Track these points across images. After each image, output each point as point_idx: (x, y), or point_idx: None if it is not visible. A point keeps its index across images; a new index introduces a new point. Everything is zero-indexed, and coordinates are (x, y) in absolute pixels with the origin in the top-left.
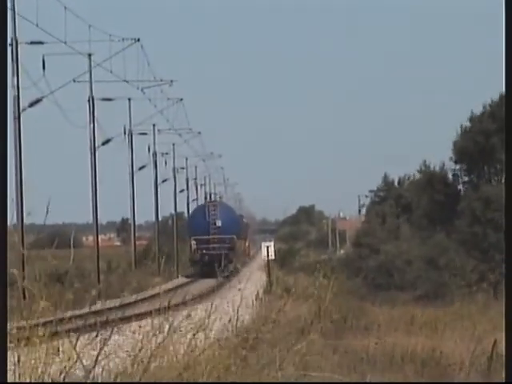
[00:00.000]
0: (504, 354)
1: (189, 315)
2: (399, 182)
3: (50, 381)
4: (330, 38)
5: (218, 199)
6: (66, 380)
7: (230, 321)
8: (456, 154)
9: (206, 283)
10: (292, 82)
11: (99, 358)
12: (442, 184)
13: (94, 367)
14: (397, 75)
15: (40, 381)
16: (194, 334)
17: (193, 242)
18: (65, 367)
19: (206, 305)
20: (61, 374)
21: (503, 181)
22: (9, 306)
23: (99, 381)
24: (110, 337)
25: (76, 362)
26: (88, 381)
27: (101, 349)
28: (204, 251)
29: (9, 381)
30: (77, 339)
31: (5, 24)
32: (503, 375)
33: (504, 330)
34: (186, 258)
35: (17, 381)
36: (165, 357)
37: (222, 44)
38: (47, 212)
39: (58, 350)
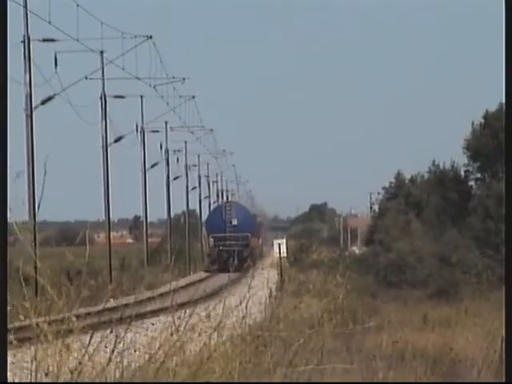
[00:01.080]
0: (504, 354)
1: (208, 315)
2: (411, 180)
3: (63, 379)
4: (344, 36)
5: (232, 199)
6: (79, 378)
7: (243, 318)
8: (469, 152)
9: (219, 280)
10: (305, 79)
11: (112, 355)
12: (453, 182)
13: (107, 364)
14: (409, 73)
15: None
16: (210, 334)
17: (211, 240)
18: (79, 363)
19: (219, 302)
20: (75, 370)
21: None
22: (19, 304)
23: (113, 379)
24: (124, 335)
25: (90, 359)
26: (96, 380)
27: (114, 346)
28: (221, 247)
29: (9, 380)
30: (91, 337)
31: (5, 21)
32: None
33: (504, 330)
34: (198, 255)
35: (29, 380)
36: (178, 355)
37: (235, 41)
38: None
39: (69, 348)
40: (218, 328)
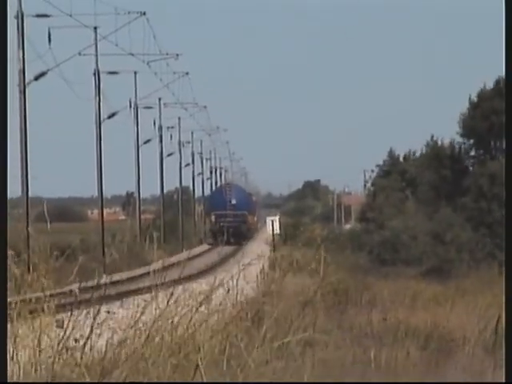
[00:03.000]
0: (504, 354)
1: (191, 289)
2: (404, 157)
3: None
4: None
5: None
6: (63, 351)
7: (234, 294)
8: (463, 130)
9: (211, 257)
10: (299, 57)
11: (98, 330)
12: (449, 159)
13: (88, 337)
14: (403, 48)
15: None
16: (196, 308)
17: (212, 217)
18: (62, 338)
19: (210, 278)
20: (58, 344)
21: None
22: (13, 279)
23: (98, 352)
24: (98, 310)
25: (72, 332)
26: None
27: (94, 319)
28: (221, 224)
29: (9, 381)
30: (71, 311)
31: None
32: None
33: (504, 330)
34: (191, 231)
35: (16, 379)
36: (164, 328)
37: (230, 17)
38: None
39: (59, 323)
40: (208, 303)
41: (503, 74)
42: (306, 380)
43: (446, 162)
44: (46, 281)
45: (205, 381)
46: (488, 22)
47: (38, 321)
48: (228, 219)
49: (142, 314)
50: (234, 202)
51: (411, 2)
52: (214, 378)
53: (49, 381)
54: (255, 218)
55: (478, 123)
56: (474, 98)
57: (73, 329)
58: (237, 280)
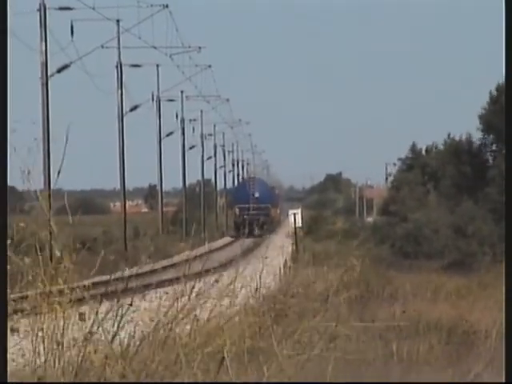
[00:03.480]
0: (504, 354)
1: (216, 281)
2: (426, 151)
3: (72, 343)
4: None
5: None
6: (89, 345)
7: (256, 290)
8: (483, 124)
9: (233, 251)
10: (320, 50)
11: (122, 323)
12: (468, 154)
13: (116, 333)
14: (425, 46)
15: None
16: (218, 300)
17: (236, 210)
18: (88, 332)
19: (233, 271)
20: (85, 339)
21: None
22: (35, 272)
23: (122, 345)
24: (131, 303)
25: (99, 327)
26: (100, 380)
27: (122, 315)
28: (245, 216)
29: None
30: (100, 304)
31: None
32: None
33: (504, 330)
34: (213, 224)
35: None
36: (188, 322)
37: (251, 10)
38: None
39: (82, 316)
40: (232, 296)
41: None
42: (329, 375)
43: (464, 157)
44: (69, 274)
45: (231, 373)
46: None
47: (60, 314)
48: (251, 212)
49: (171, 306)
50: (257, 195)
51: None
52: (237, 370)
53: (72, 372)
54: (278, 211)
55: (497, 118)
56: (494, 93)
57: (94, 322)
58: (260, 273)
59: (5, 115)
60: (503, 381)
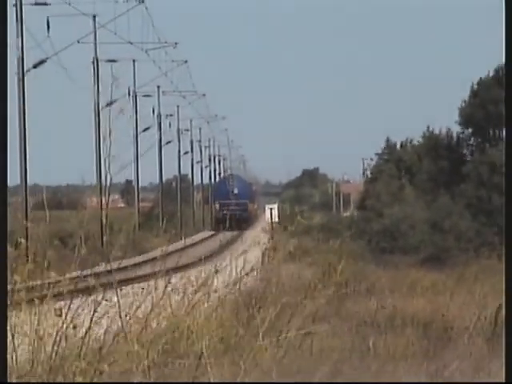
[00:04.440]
0: (504, 354)
1: (188, 277)
2: (401, 145)
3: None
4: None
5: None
6: (63, 341)
7: (234, 284)
8: (462, 118)
9: (210, 246)
10: (297, 43)
11: (97, 318)
12: (446, 149)
13: (89, 328)
14: (402, 35)
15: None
16: (194, 293)
17: (217, 205)
18: (61, 327)
19: (209, 266)
20: (57, 334)
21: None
22: (11, 267)
23: (95, 341)
24: (102, 298)
25: (71, 322)
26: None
27: (95, 310)
28: (225, 211)
29: (9, 381)
30: (71, 300)
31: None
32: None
33: (504, 330)
34: (190, 219)
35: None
36: (162, 316)
37: (228, 4)
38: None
39: (58, 311)
40: (207, 290)
41: (502, 63)
42: (303, 369)
43: (442, 151)
44: (45, 269)
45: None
46: (488, 11)
47: (36, 309)
48: (231, 207)
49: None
50: (236, 191)
51: None
52: (214, 366)
53: (47, 369)
54: (255, 206)
55: (476, 112)
56: (475, 87)
57: (72, 317)
58: (237, 268)
59: (5, 115)
60: (503, 381)
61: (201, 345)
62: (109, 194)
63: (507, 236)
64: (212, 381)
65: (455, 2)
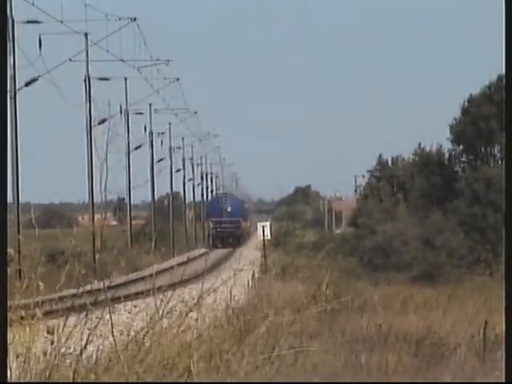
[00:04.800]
0: (504, 354)
1: (182, 299)
2: (392, 162)
3: (42, 358)
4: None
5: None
6: (57, 359)
7: (227, 303)
8: (453, 135)
9: (200, 264)
10: (290, 61)
11: (91, 337)
12: (438, 166)
13: (85, 347)
14: (394, 57)
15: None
16: (186, 314)
17: (210, 223)
18: (55, 347)
19: (201, 285)
20: (51, 353)
21: (501, 163)
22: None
23: (91, 360)
24: (101, 316)
25: (66, 341)
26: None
27: (93, 328)
28: (218, 229)
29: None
30: (66, 318)
31: (4, 21)
32: (499, 355)
33: (504, 330)
34: (183, 237)
35: (15, 380)
36: (157, 336)
37: (220, 23)
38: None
39: (51, 330)
40: (198, 309)
41: (492, 80)
42: None
43: (434, 168)
44: (37, 287)
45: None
46: (477, 26)
47: (27, 328)
48: (224, 225)
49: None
50: (229, 209)
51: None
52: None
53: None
54: (248, 224)
55: (467, 129)
56: (466, 104)
57: (65, 337)
58: (229, 286)
59: (4, 118)
60: (503, 381)
61: (191, 362)
62: (105, 213)
63: (507, 242)
64: (210, 381)
65: (447, 13)
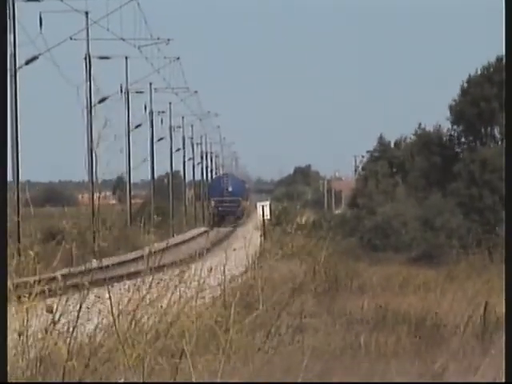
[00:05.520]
0: (504, 354)
1: (182, 271)
2: (395, 144)
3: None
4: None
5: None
6: (53, 334)
7: (223, 280)
8: (453, 116)
9: (200, 243)
10: (291, 43)
11: (85, 314)
12: (438, 146)
13: (76, 324)
14: (394, 35)
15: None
16: (175, 287)
17: (212, 202)
18: (51, 323)
19: (199, 264)
20: (46, 329)
21: (500, 143)
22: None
23: (85, 335)
24: (87, 293)
25: (60, 317)
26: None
27: (81, 304)
28: (220, 208)
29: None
30: (60, 296)
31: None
32: (497, 337)
33: (504, 330)
34: (182, 216)
35: (14, 380)
36: (149, 309)
37: (220, 2)
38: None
39: (50, 308)
40: (201, 288)
41: (492, 60)
42: (296, 366)
43: (434, 148)
44: (36, 265)
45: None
46: (478, 8)
47: (27, 305)
48: (225, 204)
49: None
50: (230, 189)
51: None
52: (200, 364)
53: (37, 365)
54: (248, 203)
55: (467, 109)
56: (465, 85)
57: (61, 314)
58: (224, 266)
59: (4, 115)
60: (503, 381)
61: (190, 341)
62: (99, 192)
63: (507, 236)
64: (209, 381)
65: (448, 5)
